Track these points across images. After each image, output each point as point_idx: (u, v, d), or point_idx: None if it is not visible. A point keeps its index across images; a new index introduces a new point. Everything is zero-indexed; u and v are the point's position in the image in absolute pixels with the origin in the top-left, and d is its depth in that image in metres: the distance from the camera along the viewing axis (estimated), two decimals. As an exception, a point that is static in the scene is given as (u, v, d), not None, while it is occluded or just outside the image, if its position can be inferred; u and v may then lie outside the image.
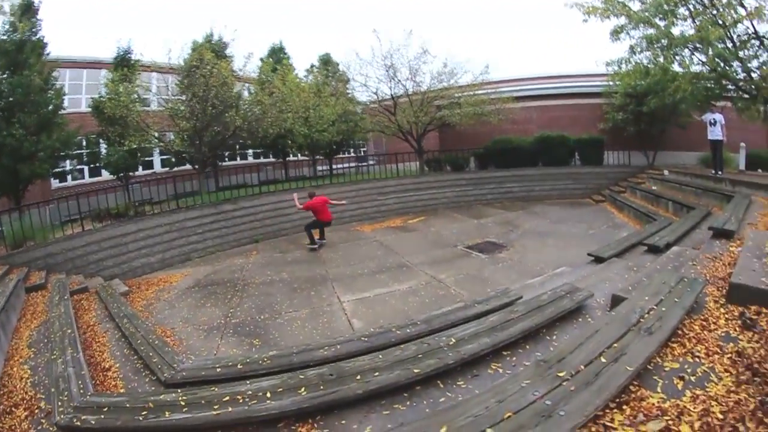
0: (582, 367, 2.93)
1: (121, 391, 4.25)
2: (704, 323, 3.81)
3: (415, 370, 3.41)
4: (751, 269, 4.31)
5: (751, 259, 4.65)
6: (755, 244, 5.29)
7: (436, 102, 19.12)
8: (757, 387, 2.74)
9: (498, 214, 15.45)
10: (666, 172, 16.32)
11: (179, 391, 3.53)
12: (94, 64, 17.08)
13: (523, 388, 2.73)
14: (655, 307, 3.85)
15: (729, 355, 3.19)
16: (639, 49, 14.75)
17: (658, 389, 2.89)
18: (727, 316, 3.86)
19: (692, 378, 2.95)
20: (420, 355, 3.67)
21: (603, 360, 3.01)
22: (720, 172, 13.08)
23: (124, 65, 15.12)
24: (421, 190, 17.75)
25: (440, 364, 3.51)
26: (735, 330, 3.58)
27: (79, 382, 4.01)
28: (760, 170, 14.99)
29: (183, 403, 3.12)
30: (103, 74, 15.98)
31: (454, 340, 3.90)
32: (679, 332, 3.64)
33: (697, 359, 3.21)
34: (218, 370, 4.13)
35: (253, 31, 73.19)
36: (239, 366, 4.09)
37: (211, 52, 15.04)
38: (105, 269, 9.92)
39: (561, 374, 2.85)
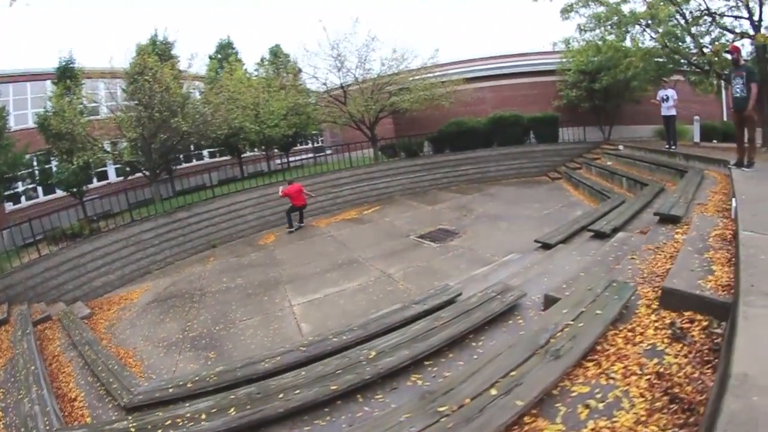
0: (468, 400, 2.84)
1: (88, 420, 4.68)
2: (630, 334, 3.67)
3: (332, 387, 3.62)
4: (689, 268, 4.21)
5: (692, 255, 4.58)
6: (699, 234, 5.25)
7: (388, 88, 19.37)
8: (671, 416, 2.60)
9: (453, 199, 16.09)
10: (621, 147, 17.12)
11: (130, 418, 4.01)
12: (37, 76, 17.01)
13: (401, 423, 2.76)
14: (571, 322, 3.73)
15: (648, 377, 2.99)
16: (589, 27, 15.54)
17: (558, 419, 2.77)
18: (657, 324, 3.70)
19: (600, 405, 2.81)
20: (339, 371, 3.87)
21: (493, 392, 2.89)
22: (674, 146, 13.88)
23: (67, 76, 15.16)
24: (375, 179, 18.10)
25: (357, 379, 3.68)
26: (663, 342, 3.41)
27: (45, 419, 4.42)
28: (715, 141, 16.00)
29: (134, 430, 3.61)
30: (48, 86, 15.94)
31: (374, 353, 4.08)
32: (598, 348, 3.50)
33: (611, 381, 3.05)
34: (170, 390, 4.52)
35: (203, 26, 72.21)
36: (189, 385, 4.49)
37: (155, 55, 15.19)
38: (66, 293, 10.22)
39: (442, 409, 2.80)
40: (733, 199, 6.26)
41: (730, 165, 9.33)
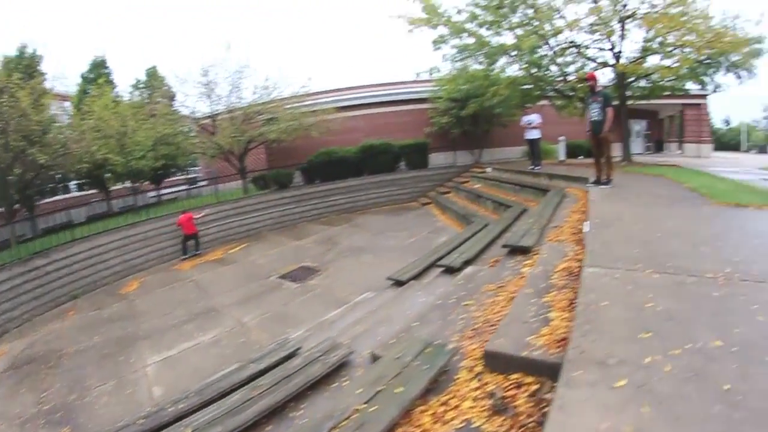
0: None
1: None
2: (442, 409, 3.43)
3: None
4: (522, 319, 3.98)
5: (529, 299, 4.39)
6: (544, 269, 5.16)
7: (259, 117, 20.10)
8: None
9: (321, 232, 17.12)
10: (489, 170, 19.05)
11: None
12: None
13: None
14: (363, 405, 3.54)
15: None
16: (458, 57, 17.46)
17: None
18: (478, 393, 3.41)
19: None
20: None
21: None
22: (538, 167, 15.75)
23: None
24: (243, 214, 18.63)
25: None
26: (481, 417, 3.13)
27: None
28: (581, 157, 18.75)
29: None
30: None
31: (190, 431, 4.19)
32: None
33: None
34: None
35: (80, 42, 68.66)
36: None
37: (20, 72, 14.70)
38: None
39: None
40: (586, 223, 6.61)
41: (589, 183, 10.42)
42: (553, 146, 20.14)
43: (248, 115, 19.96)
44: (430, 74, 20.96)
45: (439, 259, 9.09)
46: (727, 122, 73.02)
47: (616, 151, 15.68)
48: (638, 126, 31.80)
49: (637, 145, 30.28)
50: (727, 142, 59.70)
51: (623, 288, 3.89)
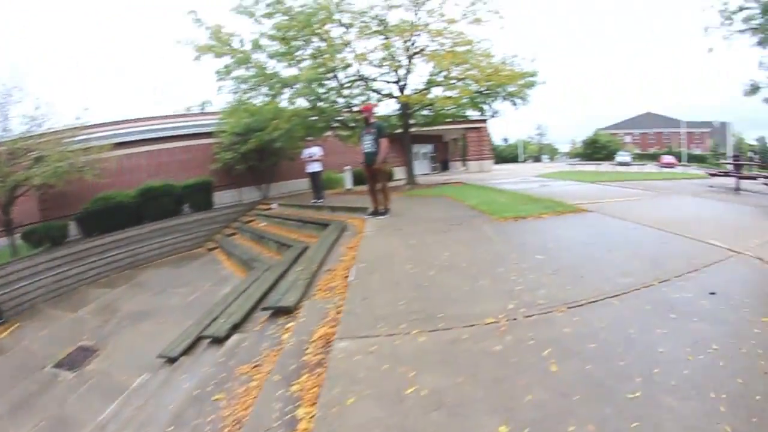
0: None
1: None
2: None
3: None
4: (263, 425, 3.18)
5: (275, 391, 3.61)
6: (299, 341, 4.39)
7: (31, 154, 17.78)
8: None
9: (100, 296, 15.66)
10: (274, 206, 19.62)
11: None
12: None
13: None
14: None
15: None
16: (240, 89, 17.97)
17: None
18: None
19: None
20: None
21: None
22: (321, 200, 16.77)
23: None
24: (10, 284, 15.72)
25: None
26: None
27: None
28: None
29: None
30: None
31: None
32: None
33: None
34: None
35: None
36: None
37: None
38: None
39: None
40: (352, 269, 6.04)
41: (367, 214, 10.76)
42: (340, 175, 22.04)
43: (14, 153, 17.20)
44: (202, 108, 21.03)
45: (213, 321, 8.26)
46: (506, 140, 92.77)
47: (400, 174, 18.03)
48: (425, 149, 36.60)
49: (424, 166, 34.90)
50: (507, 156, 74.99)
51: (379, 368, 3.31)
